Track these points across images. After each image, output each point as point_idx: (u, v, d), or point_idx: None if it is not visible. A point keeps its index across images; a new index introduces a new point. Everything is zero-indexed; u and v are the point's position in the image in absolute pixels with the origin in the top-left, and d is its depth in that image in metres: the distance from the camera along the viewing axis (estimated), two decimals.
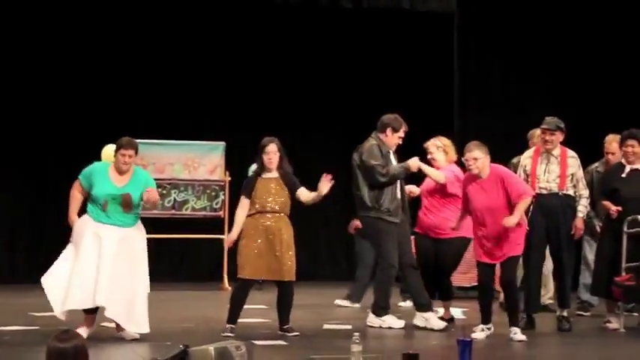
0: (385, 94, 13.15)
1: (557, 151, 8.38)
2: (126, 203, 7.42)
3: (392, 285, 8.47)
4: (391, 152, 8.50)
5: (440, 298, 8.64)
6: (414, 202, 8.82)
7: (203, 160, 12.42)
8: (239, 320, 7.87)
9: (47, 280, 7.41)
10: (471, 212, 7.79)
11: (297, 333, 7.66)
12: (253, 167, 8.08)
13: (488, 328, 7.69)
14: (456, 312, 9.02)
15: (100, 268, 7.23)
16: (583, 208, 8.33)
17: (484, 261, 7.68)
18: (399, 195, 8.38)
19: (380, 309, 8.33)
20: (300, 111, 13.68)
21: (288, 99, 13.70)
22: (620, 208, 8.21)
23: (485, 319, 7.74)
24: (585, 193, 8.35)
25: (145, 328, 7.36)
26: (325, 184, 7.62)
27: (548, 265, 8.83)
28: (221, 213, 12.23)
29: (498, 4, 13.63)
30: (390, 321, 8.31)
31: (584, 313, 9.41)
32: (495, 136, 13.11)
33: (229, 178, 12.01)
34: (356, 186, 8.44)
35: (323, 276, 13.25)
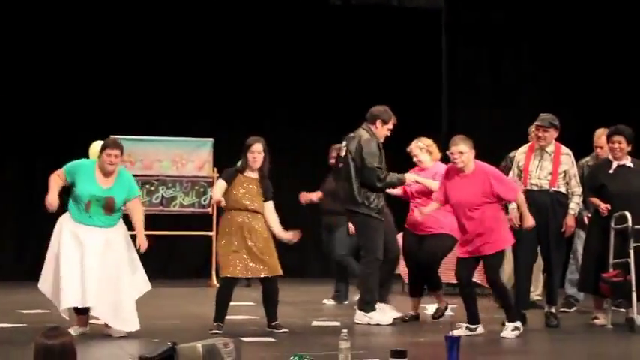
0: (374, 90, 13.14)
1: (550, 148, 8.40)
2: (109, 207, 7.37)
3: (377, 278, 8.43)
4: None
5: (429, 290, 8.73)
6: (404, 203, 8.84)
7: (191, 157, 12.41)
8: (227, 317, 7.87)
9: (44, 285, 7.39)
10: (447, 205, 7.79)
11: (285, 329, 7.67)
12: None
13: (473, 329, 7.58)
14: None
15: (85, 269, 7.21)
16: (575, 205, 8.33)
17: (463, 256, 7.65)
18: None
19: (366, 304, 8.32)
20: (288, 107, 13.68)
21: (277, 95, 13.69)
22: (609, 206, 8.23)
23: (472, 319, 7.67)
24: (578, 190, 8.36)
25: (135, 326, 7.35)
26: (289, 236, 7.74)
27: (538, 262, 8.84)
28: (209, 210, 12.22)
29: (485, 1, 13.66)
30: (378, 317, 8.31)
31: (568, 310, 9.44)
32: (483, 131, 13.16)
33: (217, 175, 11.98)
34: (346, 176, 8.40)
35: (312, 273, 13.26)
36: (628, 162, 8.41)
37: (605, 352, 7.00)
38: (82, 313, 7.39)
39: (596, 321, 8.48)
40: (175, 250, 13.35)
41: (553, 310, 8.42)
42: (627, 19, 12.77)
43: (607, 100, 12.80)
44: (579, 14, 13.13)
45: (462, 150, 7.56)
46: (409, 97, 13.67)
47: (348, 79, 13.84)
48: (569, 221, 8.30)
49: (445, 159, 8.21)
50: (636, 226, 8.02)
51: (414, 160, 8.69)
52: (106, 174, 7.38)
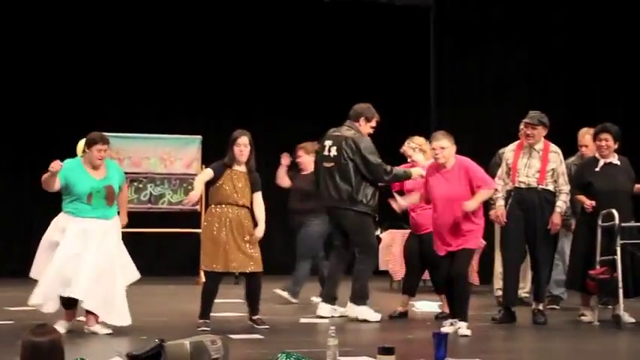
0: (362, 86, 13.15)
1: (539, 146, 8.42)
2: (109, 196, 7.47)
3: (370, 275, 8.59)
4: None
5: (435, 291, 8.86)
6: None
7: (179, 154, 12.40)
8: (215, 314, 7.88)
9: (37, 298, 7.37)
10: (430, 202, 7.78)
11: (267, 325, 7.69)
12: None
13: (454, 324, 7.53)
14: (431, 305, 9.11)
15: (83, 261, 7.23)
16: (562, 203, 8.36)
17: (444, 254, 7.63)
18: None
19: (359, 298, 8.41)
20: (277, 105, 13.68)
21: (266, 93, 13.69)
22: (594, 203, 8.26)
23: (454, 314, 7.68)
24: (566, 188, 8.38)
25: (127, 321, 7.38)
26: (259, 233, 7.78)
27: (527, 260, 8.87)
28: (197, 207, 12.20)
29: None
30: (367, 313, 8.36)
31: (556, 307, 9.48)
32: (471, 129, 13.20)
33: None
34: (343, 177, 8.43)
35: None
36: (615, 160, 8.45)
37: (592, 348, 7.02)
38: (70, 307, 7.38)
39: (583, 318, 8.51)
40: (163, 248, 13.34)
41: (540, 307, 8.45)
42: (617, 16, 12.81)
43: (596, 98, 12.85)
44: (568, 12, 13.16)
45: (444, 145, 7.55)
46: (398, 94, 13.70)
47: (336, 76, 13.84)
48: (556, 218, 8.32)
49: None
50: (623, 224, 8.06)
51: (409, 160, 8.72)
52: (95, 167, 7.46)
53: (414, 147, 8.71)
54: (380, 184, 8.53)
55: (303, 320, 8.38)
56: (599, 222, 8.17)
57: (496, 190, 8.37)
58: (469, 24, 13.53)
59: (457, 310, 7.56)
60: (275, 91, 13.72)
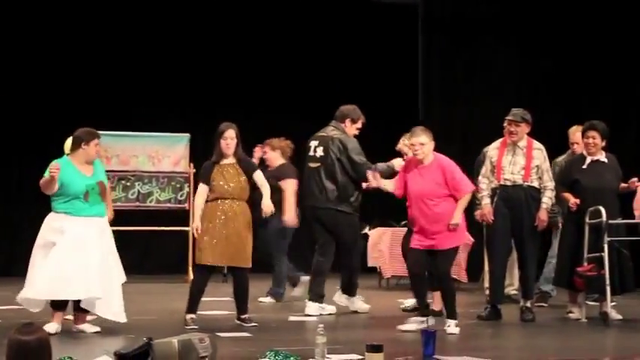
0: (350, 85, 13.17)
1: (523, 143, 8.44)
2: (103, 191, 7.49)
3: (359, 269, 8.85)
4: None
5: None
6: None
7: (167, 152, 12.38)
8: (203, 312, 7.87)
9: (34, 291, 7.29)
10: (403, 196, 7.72)
11: (255, 324, 7.68)
12: None
13: (424, 322, 7.45)
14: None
15: (89, 260, 7.21)
16: (547, 199, 8.38)
17: (416, 247, 7.57)
18: None
19: (351, 287, 8.60)
20: (265, 102, 13.66)
21: (254, 91, 13.68)
22: (578, 201, 8.29)
23: (422, 311, 7.65)
24: (551, 185, 8.41)
25: (123, 318, 7.41)
26: (269, 209, 7.82)
27: (513, 256, 8.89)
28: (186, 205, 12.20)
29: None
30: (358, 304, 8.57)
31: (544, 304, 9.51)
32: (460, 127, 13.22)
33: (194, 170, 11.98)
34: (330, 177, 8.49)
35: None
36: (602, 157, 8.48)
37: (579, 345, 7.04)
38: (60, 308, 7.35)
39: (570, 315, 8.54)
40: (151, 246, 13.32)
41: (528, 304, 8.47)
42: (608, 14, 12.82)
43: (585, 97, 12.87)
44: (556, 8, 13.17)
45: (423, 141, 7.53)
46: (386, 92, 13.70)
47: (324, 74, 13.83)
48: (542, 215, 8.35)
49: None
50: (610, 221, 8.09)
51: (404, 158, 8.73)
52: (85, 164, 7.43)
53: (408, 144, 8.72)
54: (361, 181, 8.58)
55: (291, 318, 8.38)
56: (587, 219, 8.19)
57: (481, 189, 8.40)
58: (457, 21, 13.54)
59: (448, 310, 7.57)
60: (263, 89, 13.70)
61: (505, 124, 8.58)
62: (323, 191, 8.55)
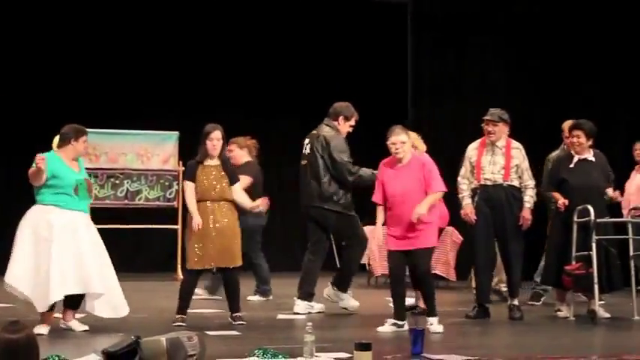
0: (339, 83, 13.18)
1: (501, 143, 8.46)
2: (89, 187, 7.52)
3: (356, 266, 8.87)
4: None
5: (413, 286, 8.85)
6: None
7: (156, 150, 12.37)
8: (192, 311, 7.87)
9: (19, 282, 7.20)
10: (386, 199, 7.58)
11: (243, 322, 7.70)
12: None
13: (401, 325, 7.44)
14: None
15: (82, 254, 7.20)
16: (530, 198, 8.41)
17: (394, 249, 7.52)
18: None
19: (345, 283, 8.59)
20: (254, 100, 13.66)
21: (242, 89, 13.67)
22: (566, 202, 8.31)
23: (399, 315, 7.55)
24: (531, 183, 8.44)
25: (126, 310, 7.43)
26: (256, 204, 7.84)
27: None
28: (174, 203, 12.19)
29: None
30: (348, 301, 8.61)
31: (537, 302, 9.53)
32: (449, 125, 13.23)
33: (183, 168, 11.90)
34: (314, 175, 8.47)
35: (277, 266, 13.24)
36: (590, 156, 8.50)
37: (567, 343, 7.06)
38: (51, 309, 7.32)
39: (559, 313, 8.57)
40: (140, 244, 13.30)
41: (516, 302, 8.49)
42: (597, 12, 12.86)
43: (575, 95, 12.90)
44: (547, 7, 13.20)
45: (404, 140, 7.49)
46: (375, 91, 13.70)
47: (313, 72, 13.84)
48: (526, 214, 8.37)
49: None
50: (598, 220, 8.11)
51: None
52: (72, 160, 7.45)
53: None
54: (343, 183, 8.51)
55: (280, 317, 8.38)
56: (575, 218, 8.21)
57: (461, 189, 8.42)
58: (447, 20, 13.55)
59: (429, 308, 7.55)
60: (251, 87, 13.70)
61: (483, 124, 8.59)
62: (309, 189, 8.53)
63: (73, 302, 7.35)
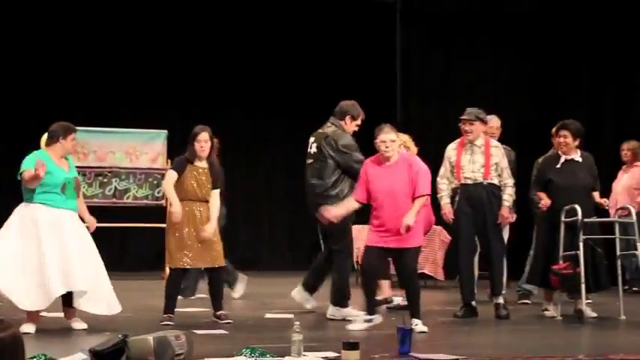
0: (328, 82, 13.18)
1: (480, 142, 8.50)
2: (78, 187, 7.51)
3: (349, 274, 8.52)
4: None
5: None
6: None
7: (145, 149, 12.36)
8: (180, 309, 7.87)
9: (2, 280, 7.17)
10: (370, 198, 7.53)
11: (230, 320, 7.70)
12: None
13: (370, 320, 7.42)
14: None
15: (67, 254, 7.16)
16: (508, 196, 8.45)
17: (376, 245, 7.44)
18: None
19: (343, 298, 8.30)
20: (243, 99, 13.67)
21: (232, 87, 13.67)
22: (548, 202, 8.33)
23: (370, 309, 7.54)
24: (510, 182, 8.49)
25: (118, 307, 7.41)
26: (206, 234, 7.66)
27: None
28: (163, 202, 12.17)
29: None
30: (353, 314, 8.14)
31: (527, 302, 9.56)
32: (438, 125, 13.25)
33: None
34: (318, 174, 8.39)
35: (265, 265, 13.25)
36: (577, 156, 8.52)
37: (554, 343, 7.08)
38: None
39: (546, 313, 8.60)
40: (128, 242, 13.30)
41: (500, 300, 8.52)
42: (588, 12, 12.88)
43: (564, 95, 12.93)
44: (537, 6, 13.22)
45: (393, 138, 7.48)
46: (363, 90, 13.66)
47: (301, 71, 13.84)
48: (504, 212, 8.42)
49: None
50: (585, 219, 8.14)
51: None
52: (61, 158, 7.44)
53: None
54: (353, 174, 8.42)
55: (268, 315, 8.38)
56: (562, 217, 8.24)
57: (440, 189, 8.44)
58: (436, 19, 13.57)
59: (413, 309, 7.50)
60: (240, 86, 13.70)
61: (460, 124, 8.60)
62: (312, 187, 8.48)
63: (69, 300, 7.33)
